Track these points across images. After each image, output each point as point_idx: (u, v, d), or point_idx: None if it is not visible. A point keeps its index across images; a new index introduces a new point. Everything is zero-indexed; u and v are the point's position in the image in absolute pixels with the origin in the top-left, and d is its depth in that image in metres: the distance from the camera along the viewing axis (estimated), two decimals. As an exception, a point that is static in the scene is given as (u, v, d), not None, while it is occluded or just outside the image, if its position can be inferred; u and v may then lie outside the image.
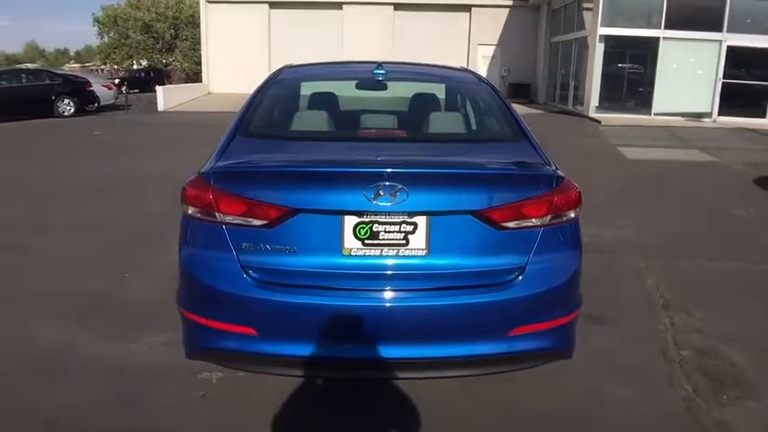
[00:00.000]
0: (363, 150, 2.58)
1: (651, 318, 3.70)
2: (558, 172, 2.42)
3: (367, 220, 2.22)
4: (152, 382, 2.86)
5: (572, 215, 2.40)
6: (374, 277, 2.26)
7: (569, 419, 2.65)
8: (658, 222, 6.07)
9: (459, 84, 3.66)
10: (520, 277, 2.29)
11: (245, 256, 2.25)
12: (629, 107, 17.78)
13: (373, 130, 3.00)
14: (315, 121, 2.96)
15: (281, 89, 3.28)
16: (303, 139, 2.81)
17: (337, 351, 2.26)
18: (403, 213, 2.21)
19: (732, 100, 16.66)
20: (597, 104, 17.40)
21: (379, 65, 3.19)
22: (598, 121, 15.87)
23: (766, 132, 14.57)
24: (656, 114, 16.80)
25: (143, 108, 20.44)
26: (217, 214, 2.27)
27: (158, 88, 20.36)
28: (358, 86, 3.38)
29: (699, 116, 16.71)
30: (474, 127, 3.27)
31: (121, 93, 20.62)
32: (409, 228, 2.23)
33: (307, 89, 3.43)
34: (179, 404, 2.70)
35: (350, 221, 2.22)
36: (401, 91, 3.44)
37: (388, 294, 2.24)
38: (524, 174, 2.46)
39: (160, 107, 19.34)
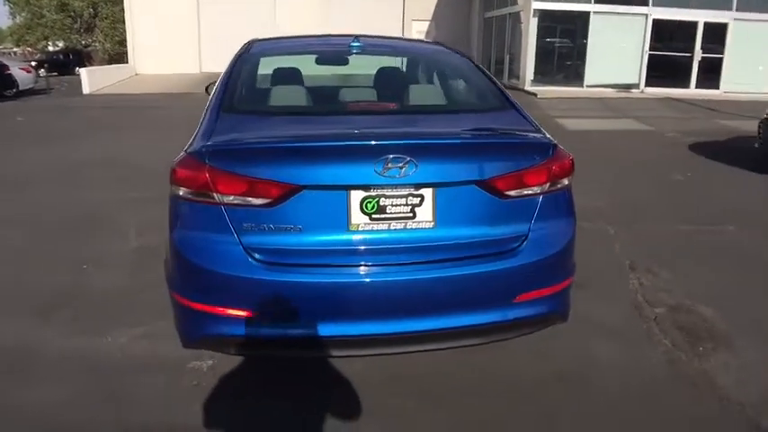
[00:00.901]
0: (358, 123, 2.51)
1: (621, 280, 3.85)
2: (554, 140, 2.45)
3: (374, 194, 2.17)
4: (138, 375, 2.72)
5: (566, 182, 2.44)
6: (382, 252, 2.22)
7: (563, 381, 2.73)
8: (607, 189, 6.29)
9: (437, 56, 3.63)
10: (523, 245, 2.32)
11: (247, 237, 2.16)
12: (563, 80, 18.30)
13: (363, 103, 2.93)
14: (300, 95, 2.86)
15: (256, 64, 3.14)
16: (293, 114, 2.70)
17: (347, 329, 2.22)
18: (410, 186, 2.18)
19: (658, 71, 17.46)
20: (532, 78, 17.82)
21: (356, 38, 3.11)
22: (534, 94, 16.26)
23: (691, 101, 15.36)
24: (588, 86, 17.39)
25: (66, 91, 19.26)
26: (215, 195, 2.15)
27: (82, 70, 19.17)
28: (336, 60, 3.28)
29: (628, 87, 17.42)
30: (461, 98, 3.25)
31: (40, 76, 19.32)
32: (416, 200, 2.20)
33: (283, 63, 3.30)
34: (171, 395, 2.58)
35: (356, 196, 2.17)
36: (382, 64, 3.37)
37: (397, 268, 2.22)
38: (525, 142, 2.47)
39: (85, 90, 18.25)
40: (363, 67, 3.33)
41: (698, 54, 17.45)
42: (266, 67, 3.21)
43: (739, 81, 17.40)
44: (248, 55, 3.15)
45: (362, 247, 2.21)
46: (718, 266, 4.12)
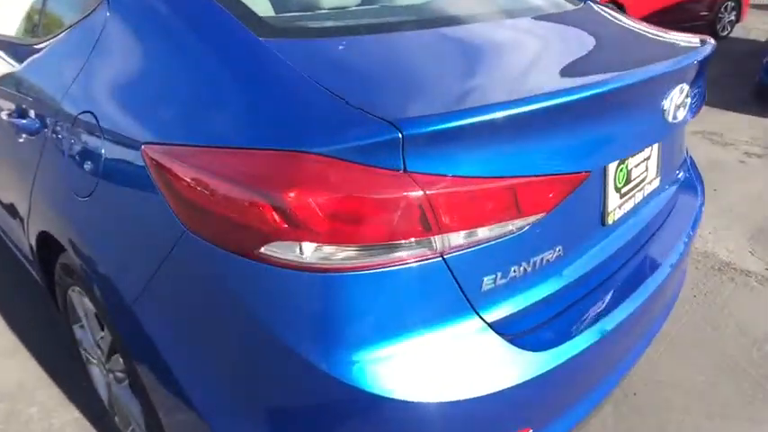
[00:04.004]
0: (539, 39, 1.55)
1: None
2: None
3: (624, 156, 1.36)
4: None
5: None
6: (635, 240, 1.47)
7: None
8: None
9: None
10: (687, 178, 1.85)
11: (490, 304, 1.09)
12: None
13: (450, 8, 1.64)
14: None
15: None
16: (382, 32, 1.33)
17: (616, 376, 1.49)
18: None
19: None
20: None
21: None
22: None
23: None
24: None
25: None
26: (434, 240, 0.98)
27: None
28: None
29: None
30: None
31: None
32: (647, 152, 1.47)
33: None
34: None
35: (611, 167, 1.31)
36: None
37: (644, 253, 1.51)
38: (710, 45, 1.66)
39: None
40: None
41: None
42: None
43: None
44: None
45: (619, 247, 1.40)
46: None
